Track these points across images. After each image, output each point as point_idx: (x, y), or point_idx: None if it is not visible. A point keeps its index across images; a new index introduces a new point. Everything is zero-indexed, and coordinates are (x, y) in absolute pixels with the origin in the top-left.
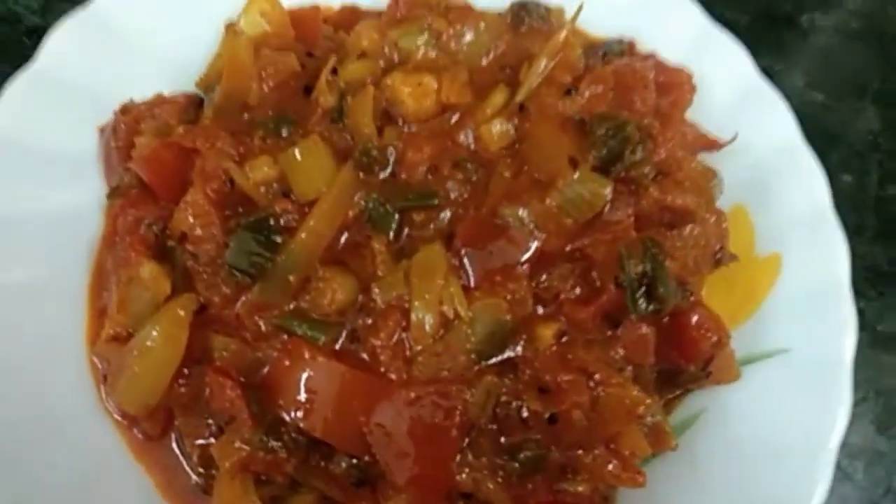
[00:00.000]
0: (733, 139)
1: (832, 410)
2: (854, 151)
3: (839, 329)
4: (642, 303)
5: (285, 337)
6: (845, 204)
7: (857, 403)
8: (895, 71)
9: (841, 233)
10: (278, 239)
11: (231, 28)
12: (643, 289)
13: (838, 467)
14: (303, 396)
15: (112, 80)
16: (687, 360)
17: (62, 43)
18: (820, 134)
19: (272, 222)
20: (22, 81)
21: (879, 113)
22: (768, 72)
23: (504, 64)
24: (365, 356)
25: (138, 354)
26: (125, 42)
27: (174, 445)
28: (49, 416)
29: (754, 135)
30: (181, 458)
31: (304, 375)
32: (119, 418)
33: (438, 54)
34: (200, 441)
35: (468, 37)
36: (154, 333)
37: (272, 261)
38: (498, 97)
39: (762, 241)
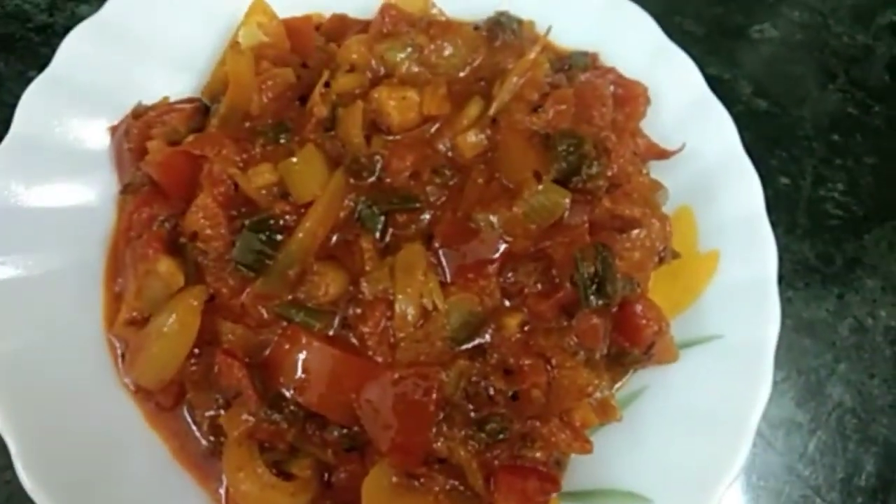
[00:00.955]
0: (681, 149)
1: (755, 389)
2: (792, 156)
3: (765, 319)
4: (593, 298)
5: (285, 323)
6: (781, 204)
7: (782, 381)
8: (832, 81)
9: (771, 234)
10: (278, 237)
11: (236, 46)
12: (594, 286)
13: (762, 436)
14: (300, 375)
15: (121, 81)
16: (632, 344)
17: (76, 47)
18: (762, 139)
19: (273, 222)
20: (40, 84)
21: (815, 122)
22: (719, 80)
23: (480, 76)
24: (355, 341)
25: (156, 337)
26: (133, 45)
27: (185, 415)
28: (72, 390)
29: (701, 144)
30: (192, 426)
31: (302, 357)
32: (134, 392)
33: (420, 68)
34: (210, 412)
35: (447, 51)
36: (170, 320)
37: (273, 257)
38: (473, 109)
39: (704, 238)
